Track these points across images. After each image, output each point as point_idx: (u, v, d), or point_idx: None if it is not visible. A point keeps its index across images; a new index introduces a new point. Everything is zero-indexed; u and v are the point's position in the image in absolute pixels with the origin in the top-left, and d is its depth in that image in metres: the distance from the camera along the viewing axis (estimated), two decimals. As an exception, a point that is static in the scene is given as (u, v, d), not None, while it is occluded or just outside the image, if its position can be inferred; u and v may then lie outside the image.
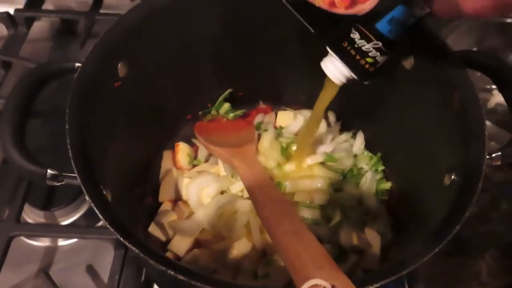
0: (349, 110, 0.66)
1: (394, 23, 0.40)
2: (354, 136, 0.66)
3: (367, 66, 0.42)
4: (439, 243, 0.35)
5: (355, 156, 0.64)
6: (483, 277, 0.63)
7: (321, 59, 0.63)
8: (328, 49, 0.44)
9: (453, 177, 0.42)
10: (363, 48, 0.41)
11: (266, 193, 0.47)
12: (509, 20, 0.78)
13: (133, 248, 0.33)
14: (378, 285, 0.31)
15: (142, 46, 0.51)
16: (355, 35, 0.41)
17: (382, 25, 0.40)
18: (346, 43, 0.42)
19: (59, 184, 0.40)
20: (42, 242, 0.63)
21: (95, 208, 0.35)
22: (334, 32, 0.42)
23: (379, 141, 0.64)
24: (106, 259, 0.59)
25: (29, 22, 0.83)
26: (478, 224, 0.68)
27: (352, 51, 0.42)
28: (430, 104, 0.50)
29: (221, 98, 0.68)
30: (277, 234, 0.40)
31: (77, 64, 0.45)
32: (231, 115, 0.68)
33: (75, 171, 0.37)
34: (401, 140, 0.59)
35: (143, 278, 0.59)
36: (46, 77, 0.44)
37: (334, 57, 0.44)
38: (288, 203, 0.45)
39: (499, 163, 0.43)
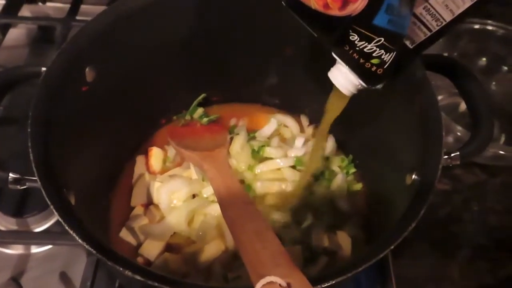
0: (322, 115, 0.67)
1: (393, 11, 0.36)
2: (326, 139, 0.67)
3: (374, 68, 0.39)
4: (393, 242, 0.35)
5: (327, 158, 0.65)
6: (455, 277, 0.64)
7: (295, 63, 0.65)
8: (333, 54, 0.41)
9: (413, 176, 0.43)
10: (365, 50, 0.38)
11: (232, 195, 0.47)
12: (477, 26, 0.80)
13: (91, 249, 0.33)
14: (329, 284, 0.32)
15: (110, 51, 0.51)
16: (354, 37, 0.38)
17: (380, 19, 0.37)
18: (348, 46, 0.39)
19: (22, 187, 0.40)
20: (15, 250, 0.62)
21: (54, 211, 0.35)
22: (335, 35, 0.39)
23: (350, 144, 0.66)
24: (79, 266, 0.58)
25: (5, 28, 0.82)
26: (450, 224, 0.69)
27: (355, 55, 0.39)
28: (394, 107, 0.51)
29: (195, 102, 0.69)
30: (239, 234, 0.41)
31: (43, 69, 0.45)
32: (205, 119, 0.68)
33: (35, 174, 0.37)
34: (369, 142, 0.60)
35: (117, 284, 0.59)
36: (12, 81, 0.45)
37: (340, 63, 0.40)
38: (253, 205, 0.45)
39: (458, 162, 0.44)
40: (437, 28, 0.40)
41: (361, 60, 0.39)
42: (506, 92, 0.83)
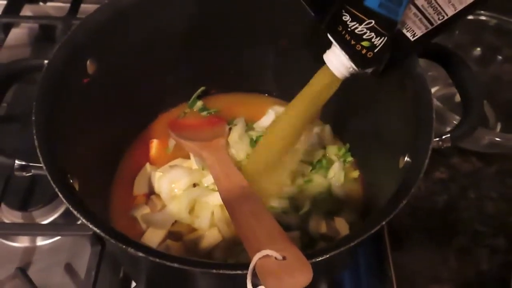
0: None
1: None
2: (323, 129, 0.68)
3: (364, 51, 0.39)
4: (384, 218, 0.37)
5: (325, 147, 0.66)
6: (452, 264, 0.64)
7: (291, 54, 0.66)
8: (328, 35, 0.41)
9: (406, 159, 0.45)
10: (356, 31, 0.39)
11: (231, 181, 0.49)
12: (471, 17, 0.81)
13: (95, 228, 0.35)
14: (324, 257, 0.33)
15: (110, 44, 0.52)
16: (347, 17, 0.39)
17: (371, 0, 0.37)
18: (341, 27, 0.39)
19: (27, 174, 0.42)
20: (21, 243, 0.63)
21: (59, 193, 0.36)
22: (329, 15, 0.40)
23: (346, 133, 0.67)
24: (84, 258, 0.59)
25: (7, 28, 0.84)
26: (447, 212, 0.70)
27: (346, 35, 0.39)
28: (387, 93, 0.52)
29: (194, 96, 0.70)
30: (237, 214, 0.42)
31: (46, 61, 0.46)
32: (205, 112, 0.70)
33: (41, 160, 0.38)
34: (365, 130, 0.61)
35: (121, 274, 0.60)
36: (15, 74, 0.46)
37: (334, 45, 0.41)
38: (250, 188, 0.47)
39: (449, 144, 0.45)
40: (439, 22, 0.40)
41: (352, 42, 0.39)
42: (501, 81, 0.83)
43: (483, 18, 0.81)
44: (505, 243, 0.66)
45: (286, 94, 0.71)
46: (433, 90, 0.82)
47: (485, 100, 0.80)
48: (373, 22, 0.38)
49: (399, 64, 0.43)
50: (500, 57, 0.83)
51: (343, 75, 0.43)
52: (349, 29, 0.39)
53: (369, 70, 0.41)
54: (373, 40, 0.39)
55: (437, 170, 0.74)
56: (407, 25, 0.41)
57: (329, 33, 0.41)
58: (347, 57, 0.41)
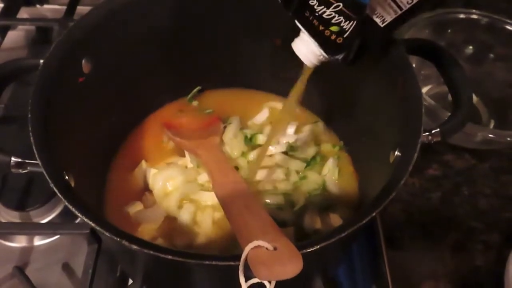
0: (313, 102, 0.69)
1: None
2: (317, 126, 0.69)
3: (333, 37, 0.38)
4: (373, 211, 0.37)
5: (319, 144, 0.67)
6: (447, 260, 0.65)
7: (285, 53, 0.66)
8: (295, 22, 0.40)
9: (396, 153, 0.45)
10: (324, 15, 0.37)
11: (224, 175, 0.50)
12: (462, 16, 0.82)
13: (92, 224, 0.35)
14: (314, 248, 0.34)
15: (105, 43, 0.53)
16: (313, 2, 0.37)
17: None
18: (308, 12, 0.38)
19: (23, 171, 0.42)
20: (18, 243, 0.64)
21: (55, 188, 0.37)
22: (296, 0, 0.38)
23: (340, 130, 0.68)
24: (82, 257, 0.60)
25: (4, 31, 0.85)
26: (442, 209, 0.71)
27: (314, 21, 0.38)
28: (377, 89, 0.53)
29: (190, 95, 0.71)
30: (231, 209, 0.43)
31: (42, 61, 0.46)
32: (200, 112, 0.70)
33: (36, 156, 0.39)
34: (357, 126, 0.62)
35: (118, 272, 0.60)
36: (11, 73, 0.46)
37: (303, 32, 0.40)
38: (244, 184, 0.48)
39: (439, 139, 0.46)
40: (408, 6, 0.39)
41: (321, 27, 0.38)
42: (493, 79, 0.84)
43: (474, 17, 0.82)
44: (499, 238, 0.67)
45: (281, 90, 0.72)
46: (426, 88, 0.83)
47: (478, 97, 0.81)
48: (341, 5, 0.37)
49: (369, 52, 0.41)
50: (492, 55, 0.84)
51: (312, 63, 0.42)
52: (316, 14, 0.38)
53: (340, 57, 0.40)
54: (342, 24, 0.37)
55: (430, 167, 0.75)
56: (376, 11, 0.39)
57: (297, 20, 0.39)
58: (316, 44, 0.39)
